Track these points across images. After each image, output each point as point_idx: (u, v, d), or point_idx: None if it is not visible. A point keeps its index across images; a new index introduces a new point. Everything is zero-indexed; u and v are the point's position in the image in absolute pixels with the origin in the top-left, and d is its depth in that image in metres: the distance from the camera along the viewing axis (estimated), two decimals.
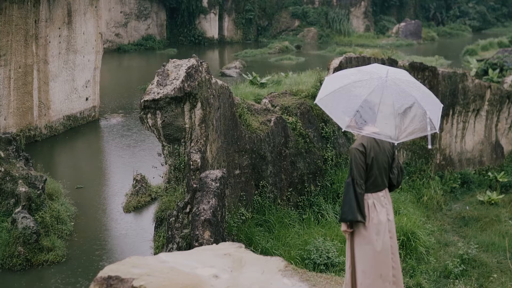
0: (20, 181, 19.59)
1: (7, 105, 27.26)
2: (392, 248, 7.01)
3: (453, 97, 28.08)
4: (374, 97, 6.59)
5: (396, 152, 7.27)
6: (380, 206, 6.99)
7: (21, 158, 20.87)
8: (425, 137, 26.02)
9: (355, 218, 6.86)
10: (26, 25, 27.92)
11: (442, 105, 6.96)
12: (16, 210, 18.58)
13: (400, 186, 7.58)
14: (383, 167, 7.06)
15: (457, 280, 18.35)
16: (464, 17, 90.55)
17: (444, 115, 27.95)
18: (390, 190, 7.26)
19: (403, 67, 26.50)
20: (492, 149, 30.41)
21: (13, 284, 17.05)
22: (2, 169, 19.85)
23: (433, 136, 27.19)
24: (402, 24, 77.24)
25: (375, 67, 7.03)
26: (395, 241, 7.06)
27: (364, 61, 25.37)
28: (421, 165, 26.88)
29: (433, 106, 6.69)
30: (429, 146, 7.27)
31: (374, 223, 6.93)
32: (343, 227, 7.06)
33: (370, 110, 6.58)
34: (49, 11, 29.44)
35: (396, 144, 7.11)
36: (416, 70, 26.87)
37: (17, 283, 17.09)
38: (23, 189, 19.20)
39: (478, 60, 40.83)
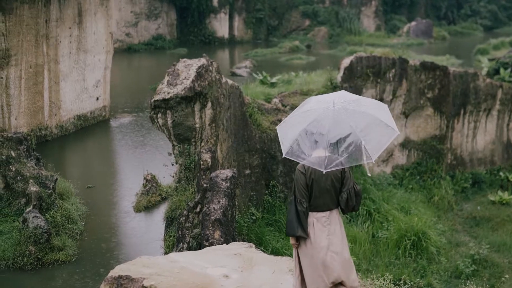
0: (31, 180, 19.63)
1: (18, 104, 27.33)
2: (329, 263, 7.43)
3: (465, 96, 27.99)
4: (312, 126, 6.96)
5: (348, 177, 7.49)
6: (320, 225, 7.41)
7: (32, 157, 20.92)
8: (436, 136, 25.70)
9: (295, 234, 7.40)
10: (37, 25, 27.98)
11: (397, 133, 7.17)
12: (27, 210, 18.61)
13: (356, 209, 7.68)
14: (325, 190, 7.41)
15: (468, 281, 18.25)
16: (476, 16, 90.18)
17: (455, 114, 27.86)
18: (344, 212, 7.60)
19: (414, 67, 26.44)
20: (504, 148, 30.29)
21: (24, 283, 17.09)
22: (13, 169, 19.90)
23: (441, 136, 27.11)
24: (413, 23, 76.94)
25: (332, 95, 7.33)
26: (335, 258, 7.44)
27: (374, 60, 25.31)
28: (432, 165, 26.81)
29: (376, 135, 6.91)
30: (369, 174, 7.56)
31: (312, 239, 7.44)
32: (291, 240, 7.63)
33: (307, 139, 6.97)
34: (60, 11, 29.50)
35: (346, 169, 7.47)
36: (427, 69, 26.80)
37: (28, 282, 17.12)
38: (34, 189, 19.24)
39: (489, 60, 40.68)
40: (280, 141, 7.30)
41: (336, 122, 6.94)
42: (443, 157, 27.35)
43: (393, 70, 25.76)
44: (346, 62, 24.89)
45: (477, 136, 29.18)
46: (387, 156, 26.31)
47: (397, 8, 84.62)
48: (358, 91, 24.67)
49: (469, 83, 28.06)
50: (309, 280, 7.58)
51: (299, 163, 7.48)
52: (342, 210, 7.66)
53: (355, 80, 24.63)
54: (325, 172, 7.10)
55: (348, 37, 74.13)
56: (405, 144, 26.84)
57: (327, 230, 7.45)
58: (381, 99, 25.59)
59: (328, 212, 7.50)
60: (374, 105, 7.36)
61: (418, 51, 59.88)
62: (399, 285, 11.84)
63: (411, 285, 10.66)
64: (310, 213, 7.50)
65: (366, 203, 21.86)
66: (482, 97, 28.59)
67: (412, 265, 19.57)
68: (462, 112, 28.06)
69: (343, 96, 7.30)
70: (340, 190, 7.54)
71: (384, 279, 10.36)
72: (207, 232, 15.61)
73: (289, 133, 7.19)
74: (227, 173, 16.88)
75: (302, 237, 7.48)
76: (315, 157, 7.02)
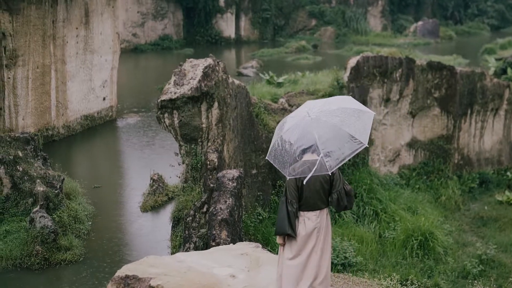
0: (38, 180, 19.68)
1: (25, 105, 27.40)
2: (315, 260, 7.94)
3: (472, 96, 27.93)
4: (285, 135, 7.59)
5: (338, 179, 7.96)
6: (310, 223, 7.85)
7: (39, 157, 20.97)
8: (443, 136, 25.66)
9: (286, 232, 7.82)
10: (44, 26, 28.05)
11: (364, 145, 7.54)
12: (34, 210, 18.66)
13: (348, 208, 8.18)
14: (315, 191, 7.84)
15: (475, 281, 18.21)
16: (483, 16, 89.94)
17: (462, 114, 27.81)
18: (336, 212, 8.26)
19: (421, 66, 26.40)
20: (511, 148, 30.21)
21: (31, 283, 17.13)
22: (20, 169, 19.95)
23: (448, 136, 27.07)
24: (420, 23, 76.79)
25: (315, 103, 7.88)
26: (321, 256, 7.96)
27: (381, 60, 25.27)
28: (439, 165, 26.76)
29: (336, 148, 7.37)
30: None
31: (301, 236, 7.87)
32: (278, 240, 8.07)
33: (280, 146, 7.60)
34: (67, 11, 29.56)
35: (336, 172, 7.92)
36: (434, 69, 26.74)
37: (35, 282, 17.16)
38: (41, 189, 19.28)
39: (496, 59, 40.52)
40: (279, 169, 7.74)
41: (304, 132, 7.46)
42: (450, 157, 27.30)
43: (400, 70, 25.72)
44: (352, 62, 24.85)
45: (484, 136, 29.11)
46: (394, 156, 26.28)
47: (404, 8, 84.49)
48: (364, 91, 24.64)
49: (476, 82, 27.99)
50: (288, 278, 8.04)
51: None
52: (335, 209, 8.13)
53: (361, 80, 24.61)
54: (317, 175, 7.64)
55: (354, 37, 74.03)
56: (412, 144, 26.80)
57: (317, 229, 7.90)
58: (387, 99, 25.56)
59: (318, 212, 7.92)
60: (349, 117, 7.63)
61: (425, 51, 59.80)
62: (406, 285, 11.83)
63: (418, 285, 10.65)
64: (302, 213, 7.92)
65: (372, 203, 21.84)
66: (489, 96, 28.51)
67: (419, 265, 19.54)
68: (469, 112, 27.99)
69: (322, 106, 7.75)
70: (329, 191, 7.97)
71: (391, 279, 10.36)
72: (214, 232, 15.62)
73: (274, 139, 7.83)
74: (233, 173, 16.89)
75: (290, 236, 7.91)
76: (282, 164, 7.61)
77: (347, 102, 7.87)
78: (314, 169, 7.44)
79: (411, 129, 26.85)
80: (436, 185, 25.86)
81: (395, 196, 23.19)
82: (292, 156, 7.54)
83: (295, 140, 7.48)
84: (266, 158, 7.80)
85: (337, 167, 7.44)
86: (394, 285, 10.14)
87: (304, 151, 7.55)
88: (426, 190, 25.39)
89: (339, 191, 7.97)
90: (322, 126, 7.47)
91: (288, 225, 7.81)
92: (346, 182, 8.20)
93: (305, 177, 7.64)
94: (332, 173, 7.66)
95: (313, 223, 7.90)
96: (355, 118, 7.64)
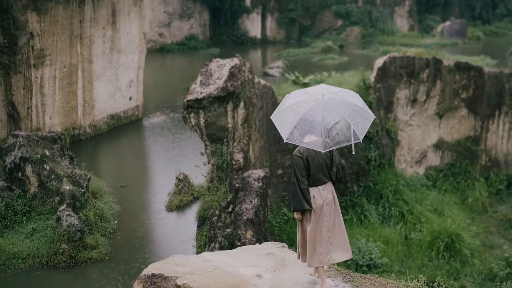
0: (65, 179, 19.81)
1: (52, 104, 27.62)
2: (329, 225, 8.97)
3: (499, 97, 27.65)
4: (309, 115, 8.39)
5: (335, 154, 8.99)
6: (319, 196, 8.84)
7: (66, 156, 21.11)
8: (470, 137, 25.48)
9: (303, 207, 8.77)
10: (71, 25, 28.24)
11: (374, 117, 8.61)
12: (61, 208, 18.79)
13: (343, 180, 9.36)
14: (319, 167, 8.84)
15: (502, 284, 18.05)
16: (511, 16, 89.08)
17: (490, 115, 27.54)
18: (334, 183, 9.10)
19: (448, 67, 26.19)
20: None
21: (58, 280, 17.26)
22: (48, 168, 20.09)
23: (476, 137, 26.83)
24: (447, 23, 76.16)
25: (317, 88, 8.78)
26: (332, 219, 8.97)
27: (408, 60, 25.12)
28: (466, 166, 26.54)
29: (360, 120, 8.40)
30: (353, 152, 8.62)
31: (314, 209, 8.85)
32: (297, 215, 8.95)
33: (305, 126, 8.41)
34: (94, 11, 29.74)
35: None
36: (461, 70, 26.52)
37: (61, 280, 17.29)
38: (68, 187, 19.41)
39: None
40: (278, 129, 8.58)
41: (328, 110, 8.36)
42: (477, 159, 27.06)
43: (427, 71, 25.55)
44: (379, 62, 24.73)
45: None
46: (420, 157, 26.11)
47: (431, 8, 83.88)
48: (391, 91, 24.50)
49: (504, 83, 27.71)
50: (312, 248, 8.96)
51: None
52: (333, 181, 9.08)
53: (388, 80, 24.48)
54: (317, 153, 8.67)
55: (381, 37, 73.62)
56: (439, 145, 26.60)
57: (324, 200, 8.88)
58: (414, 100, 25.39)
59: (324, 185, 8.91)
60: (352, 95, 8.79)
61: (452, 51, 59.30)
62: (432, 287, 11.72)
63: (445, 287, 10.53)
64: (311, 189, 8.86)
65: (398, 204, 21.72)
66: None
67: (445, 267, 19.39)
68: (497, 113, 27.72)
69: (327, 88, 8.71)
70: (330, 166, 8.97)
71: (417, 281, 10.26)
72: (239, 232, 15.62)
73: (285, 122, 8.55)
74: (259, 173, 16.87)
75: (307, 210, 8.85)
76: (313, 141, 8.38)
77: (355, 98, 8.75)
78: (346, 139, 8.37)
79: (438, 130, 26.66)
80: (463, 187, 25.65)
81: (421, 197, 23.03)
82: (323, 131, 8.34)
83: (322, 118, 8.35)
84: (286, 141, 8.51)
85: (363, 136, 8.39)
86: (420, 287, 10.05)
87: (332, 127, 8.38)
88: (453, 192, 25.19)
89: (337, 164, 9.03)
90: (340, 104, 8.48)
91: (304, 201, 8.74)
92: (340, 158, 9.22)
93: (312, 154, 8.77)
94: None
95: (321, 196, 8.86)
96: (355, 96, 8.74)
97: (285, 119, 8.58)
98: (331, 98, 8.49)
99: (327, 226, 8.96)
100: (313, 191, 8.87)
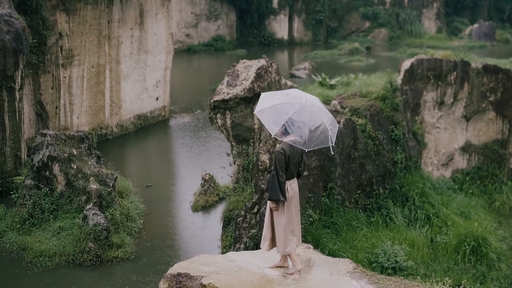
0: (92, 178, 19.97)
1: (80, 104, 27.86)
2: (296, 214, 10.12)
3: None
4: (296, 116, 9.46)
5: (304, 153, 10.15)
6: (290, 189, 9.95)
7: (93, 156, 21.28)
8: (498, 141, 25.28)
9: (279, 198, 9.76)
10: (99, 26, 28.48)
11: (338, 125, 10.01)
12: (87, 207, 18.94)
13: (302, 175, 10.54)
14: (296, 163, 10.03)
15: None
16: None
17: None
18: (298, 177, 10.23)
19: (477, 69, 25.99)
20: None
21: (84, 279, 17.39)
22: (75, 167, 20.27)
23: (504, 140, 26.61)
24: (475, 25, 75.58)
25: (296, 92, 9.93)
26: (298, 209, 10.19)
27: (435, 63, 24.95)
28: (493, 169, 26.30)
29: (333, 127, 9.62)
30: (332, 153, 10.66)
31: (287, 200, 9.91)
32: (272, 204, 9.96)
33: (292, 125, 9.49)
34: (122, 12, 29.95)
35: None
36: (489, 72, 26.29)
37: (87, 278, 17.42)
38: (95, 186, 19.56)
39: None
40: (265, 125, 9.68)
41: (311, 114, 9.52)
42: (505, 162, 26.80)
43: (455, 73, 25.37)
44: (406, 64, 24.58)
45: None
46: (447, 160, 25.94)
47: (459, 10, 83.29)
48: (418, 93, 24.37)
49: None
50: (286, 236, 9.90)
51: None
52: (298, 176, 10.27)
53: (415, 82, 24.34)
54: (295, 151, 9.82)
55: (408, 39, 73.27)
56: (466, 148, 26.40)
57: (294, 192, 10.03)
58: (442, 102, 25.24)
59: (294, 179, 10.07)
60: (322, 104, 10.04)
61: (480, 54, 58.77)
62: None
63: None
64: (286, 182, 9.91)
65: (425, 207, 21.58)
66: None
67: (471, 271, 19.24)
68: None
69: (305, 95, 9.84)
70: (299, 163, 10.12)
71: (443, 283, 10.22)
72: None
73: (271, 119, 9.61)
74: None
75: (281, 201, 9.85)
76: (298, 140, 9.50)
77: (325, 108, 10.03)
78: (324, 141, 9.58)
79: (465, 133, 26.46)
80: (490, 190, 25.41)
81: (447, 200, 22.87)
82: (309, 133, 9.48)
83: (307, 120, 9.46)
84: (273, 136, 9.76)
85: (334, 140, 9.71)
86: None
87: (315, 129, 9.52)
88: (480, 195, 24.97)
89: (305, 162, 10.40)
90: (319, 110, 9.70)
91: (280, 193, 9.76)
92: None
93: (292, 152, 9.85)
94: (303, 149, 9.79)
95: (292, 189, 9.99)
96: (331, 122, 9.76)
97: (272, 116, 9.63)
98: (313, 104, 9.69)
99: (295, 215, 10.10)
100: (287, 184, 9.94)
